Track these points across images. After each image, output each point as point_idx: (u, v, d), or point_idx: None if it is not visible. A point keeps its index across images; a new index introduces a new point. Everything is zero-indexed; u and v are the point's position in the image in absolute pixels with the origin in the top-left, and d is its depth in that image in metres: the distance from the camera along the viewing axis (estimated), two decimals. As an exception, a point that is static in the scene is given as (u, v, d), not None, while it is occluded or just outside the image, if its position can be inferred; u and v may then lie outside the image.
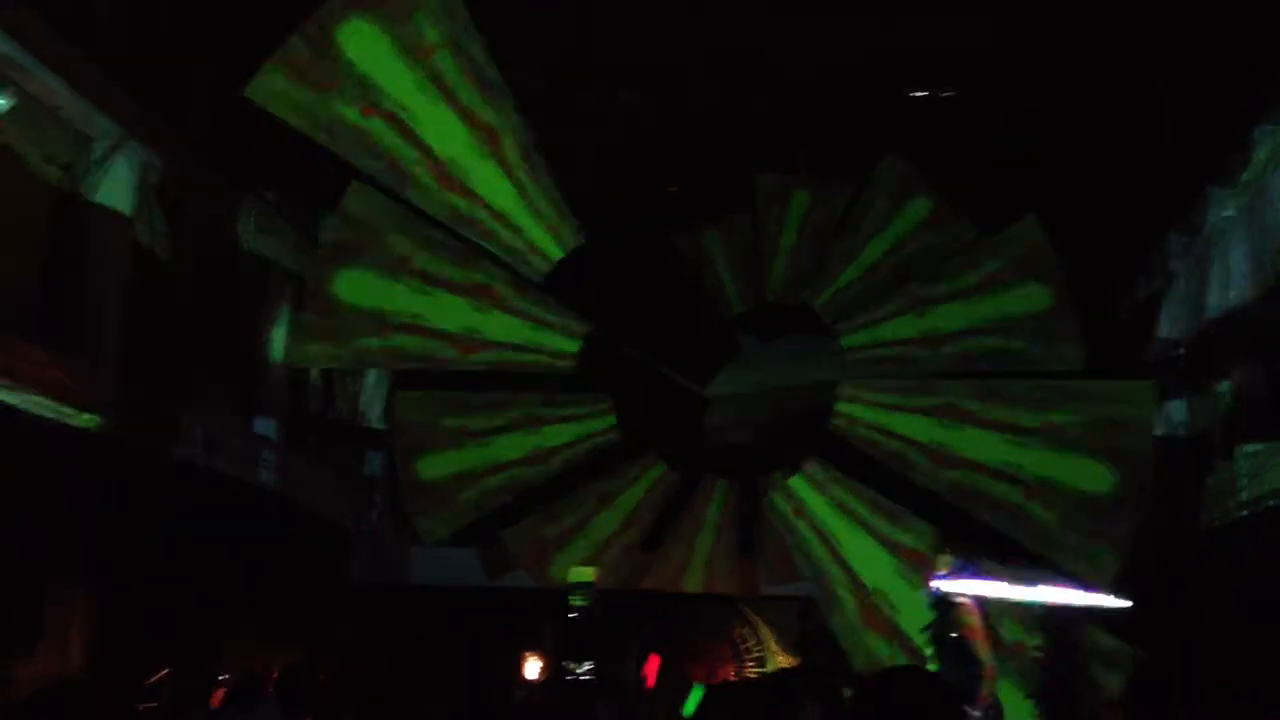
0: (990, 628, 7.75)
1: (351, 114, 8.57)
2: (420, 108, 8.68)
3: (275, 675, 9.98)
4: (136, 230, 10.37)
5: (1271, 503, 10.30)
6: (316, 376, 14.10)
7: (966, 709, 6.95)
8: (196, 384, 11.52)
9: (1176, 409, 12.93)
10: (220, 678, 9.32)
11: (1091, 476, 9.79)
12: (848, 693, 6.57)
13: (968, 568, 7.65)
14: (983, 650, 7.31)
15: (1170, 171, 10.96)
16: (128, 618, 9.05)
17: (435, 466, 11.20)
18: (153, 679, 9.08)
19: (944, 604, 7.55)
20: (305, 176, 11.68)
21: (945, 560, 7.71)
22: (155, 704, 8.77)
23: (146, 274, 10.70)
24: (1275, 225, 10.18)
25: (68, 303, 9.61)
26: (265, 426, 12.95)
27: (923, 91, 10.44)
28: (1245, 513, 10.92)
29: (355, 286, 9.53)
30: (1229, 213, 11.34)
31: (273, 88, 8.35)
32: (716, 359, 12.63)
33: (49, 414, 8.67)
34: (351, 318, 9.58)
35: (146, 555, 9.30)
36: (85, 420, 9.09)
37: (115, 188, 10.18)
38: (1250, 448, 11.21)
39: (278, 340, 12.74)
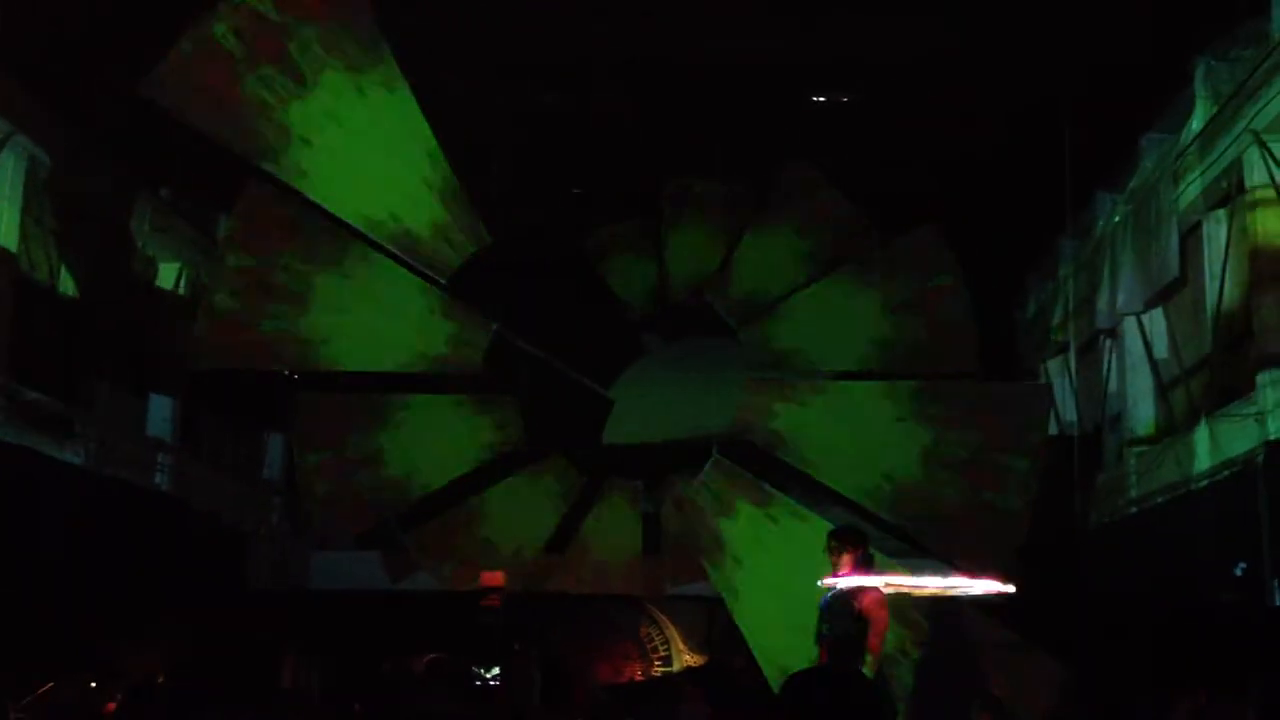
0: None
1: (248, 112, 8.42)
2: (321, 106, 8.56)
3: (160, 680, 9.77)
4: (25, 226, 10.10)
5: (1160, 499, 10.63)
6: (214, 378, 13.82)
7: None
8: (88, 386, 11.25)
9: (1067, 410, 13.29)
10: (92, 684, 9.08)
11: (986, 475, 9.99)
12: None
13: (868, 562, 7.68)
14: (876, 641, 7.36)
15: (1062, 178, 11.24)
16: (16, 625, 8.78)
17: (337, 469, 11.02)
18: (40, 691, 8.82)
19: (843, 600, 7.53)
20: (203, 175, 11.45)
21: (844, 558, 7.68)
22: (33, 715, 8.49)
23: (36, 274, 10.42)
24: (1162, 230, 10.51)
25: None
26: (160, 429, 12.68)
27: (825, 97, 10.57)
28: (1134, 509, 11.26)
29: (254, 287, 9.34)
30: (1117, 218, 11.68)
31: (168, 84, 8.16)
32: (621, 360, 12.62)
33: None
34: (250, 319, 9.38)
35: (36, 562, 9.04)
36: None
37: (2, 183, 9.90)
38: (1139, 447, 11.56)
39: (174, 341, 12.46)
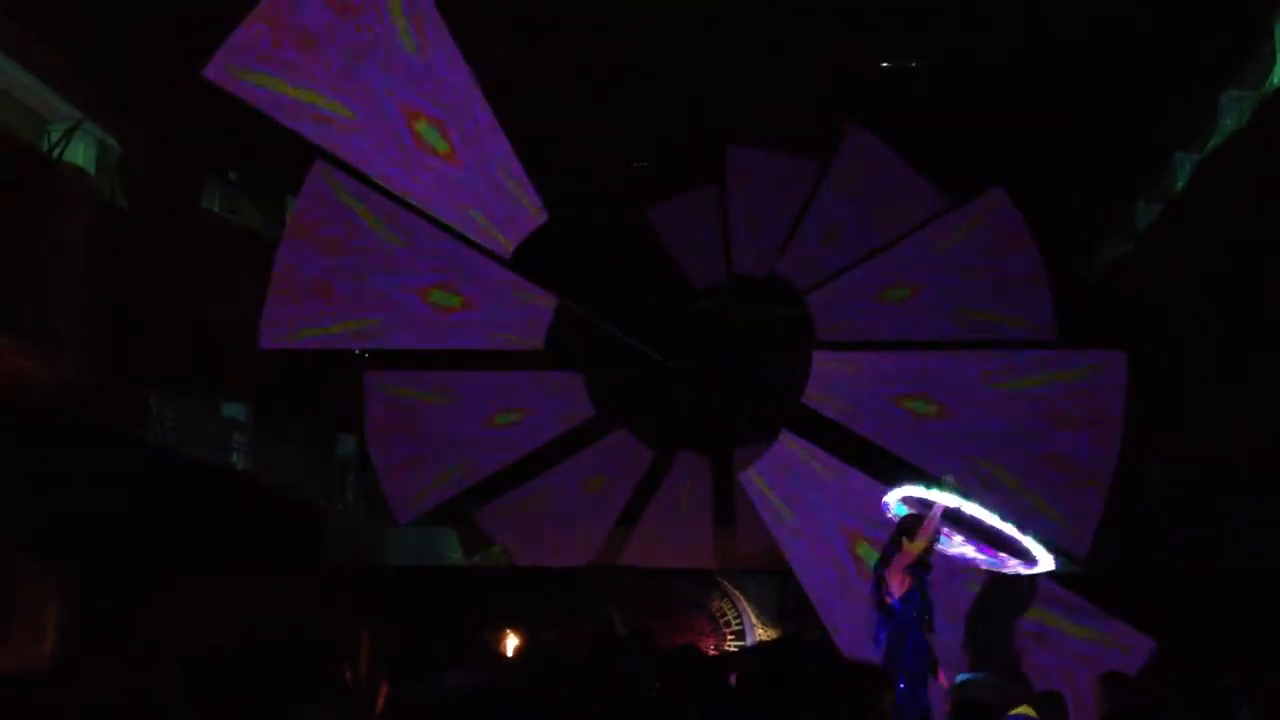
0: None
1: (312, 93, 8.44)
2: (380, 85, 8.56)
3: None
4: (98, 213, 10.26)
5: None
6: (286, 358, 13.97)
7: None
8: (164, 368, 11.42)
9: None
10: None
11: (1064, 444, 9.80)
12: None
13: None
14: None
15: (1138, 139, 10.96)
16: (99, 603, 8.95)
17: (407, 446, 11.11)
18: None
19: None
20: (270, 157, 11.55)
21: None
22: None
23: (109, 256, 10.58)
24: (1242, 190, 10.21)
25: (28, 287, 9.48)
26: (234, 409, 12.86)
27: (889, 61, 10.38)
28: (1215, 477, 11.00)
29: (322, 267, 9.42)
30: (1197, 177, 11.37)
31: (231, 68, 8.21)
32: (688, 332, 12.57)
33: (11, 399, 8.57)
34: (318, 299, 9.47)
35: (117, 541, 9.20)
36: (50, 405, 8.98)
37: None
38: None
39: (245, 322, 12.60)
